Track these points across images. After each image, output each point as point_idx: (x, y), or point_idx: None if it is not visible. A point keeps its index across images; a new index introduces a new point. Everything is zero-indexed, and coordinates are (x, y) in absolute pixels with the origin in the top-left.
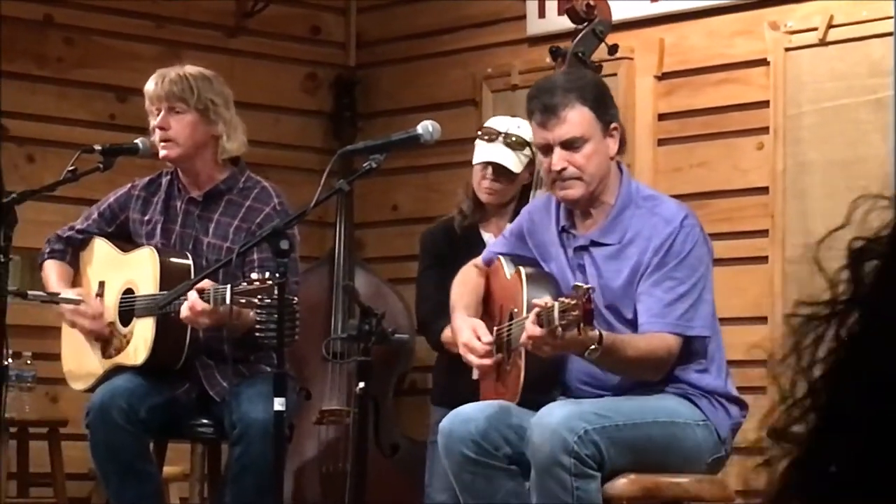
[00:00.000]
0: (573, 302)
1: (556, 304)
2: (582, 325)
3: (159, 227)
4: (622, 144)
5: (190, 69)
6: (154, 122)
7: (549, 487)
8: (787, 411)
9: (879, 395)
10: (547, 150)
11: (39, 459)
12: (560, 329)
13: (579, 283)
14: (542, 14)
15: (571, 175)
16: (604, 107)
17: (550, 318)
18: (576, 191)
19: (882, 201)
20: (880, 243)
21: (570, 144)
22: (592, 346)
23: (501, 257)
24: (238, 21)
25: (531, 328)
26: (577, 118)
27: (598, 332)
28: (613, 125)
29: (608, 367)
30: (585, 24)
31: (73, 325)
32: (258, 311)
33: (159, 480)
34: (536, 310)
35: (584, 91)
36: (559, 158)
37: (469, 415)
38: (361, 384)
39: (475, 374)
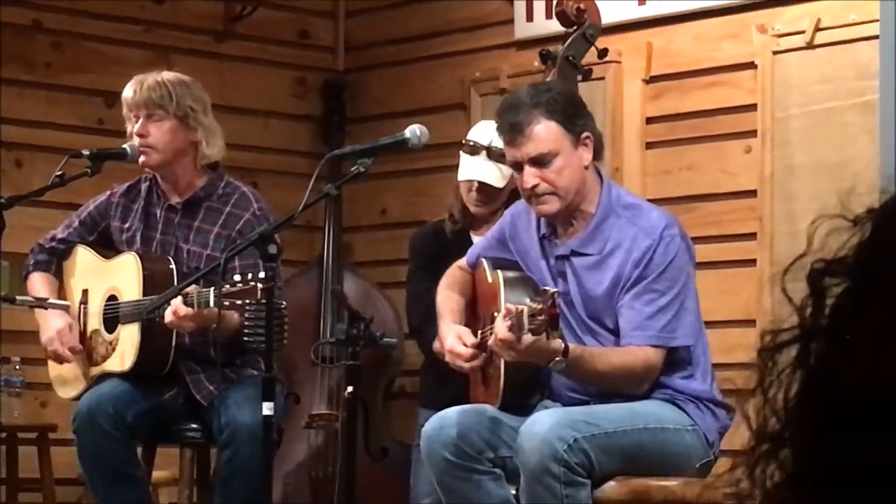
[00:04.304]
0: (540, 307)
1: (525, 308)
2: (549, 329)
3: (139, 234)
4: (598, 151)
5: (167, 75)
6: (131, 128)
7: (538, 495)
8: (757, 445)
9: (847, 423)
10: (518, 167)
11: (28, 465)
12: (529, 333)
13: (546, 288)
14: (529, 18)
15: (545, 191)
16: (573, 117)
17: (521, 322)
18: (551, 206)
19: (840, 221)
20: (843, 265)
21: (539, 161)
22: (557, 358)
23: (484, 260)
24: (226, 25)
25: (501, 332)
26: (543, 134)
27: (563, 344)
28: (585, 134)
29: (578, 379)
30: (575, 27)
31: (57, 359)
32: (247, 315)
33: (147, 486)
34: (510, 314)
35: (550, 104)
36: (530, 175)
37: (449, 419)
38: (350, 388)
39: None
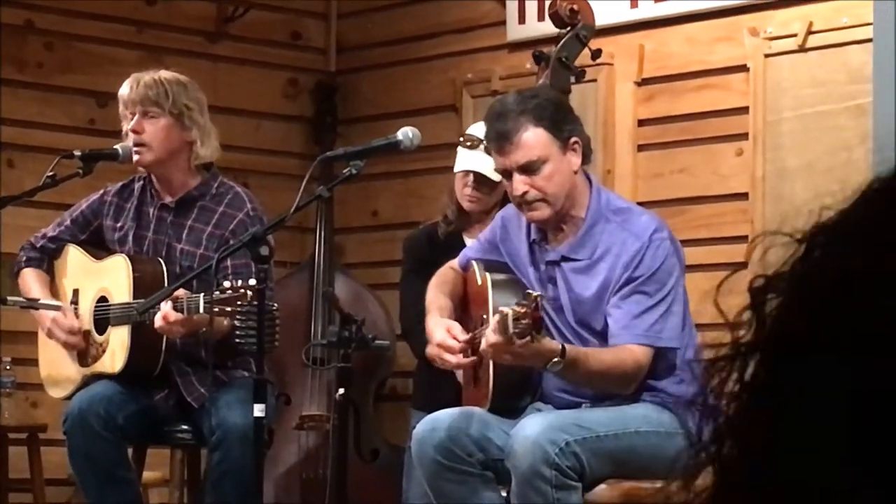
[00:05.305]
0: (524, 310)
1: (510, 311)
2: (533, 333)
3: (131, 233)
4: (586, 156)
5: (165, 74)
6: (126, 126)
7: (529, 498)
8: (692, 458)
9: (783, 441)
10: (507, 175)
11: (19, 465)
12: (514, 337)
13: (530, 291)
14: (522, 20)
15: (534, 198)
16: (560, 123)
17: (505, 325)
18: (541, 212)
19: (781, 237)
20: (781, 280)
21: (528, 168)
22: (555, 360)
23: (475, 262)
24: (219, 26)
25: (490, 336)
26: (531, 141)
27: (560, 346)
28: (573, 139)
29: (573, 380)
30: (569, 28)
31: (49, 335)
32: (238, 317)
33: (138, 487)
34: (496, 318)
35: (538, 111)
36: (519, 183)
37: (440, 421)
38: (341, 390)
39: (460, 376)
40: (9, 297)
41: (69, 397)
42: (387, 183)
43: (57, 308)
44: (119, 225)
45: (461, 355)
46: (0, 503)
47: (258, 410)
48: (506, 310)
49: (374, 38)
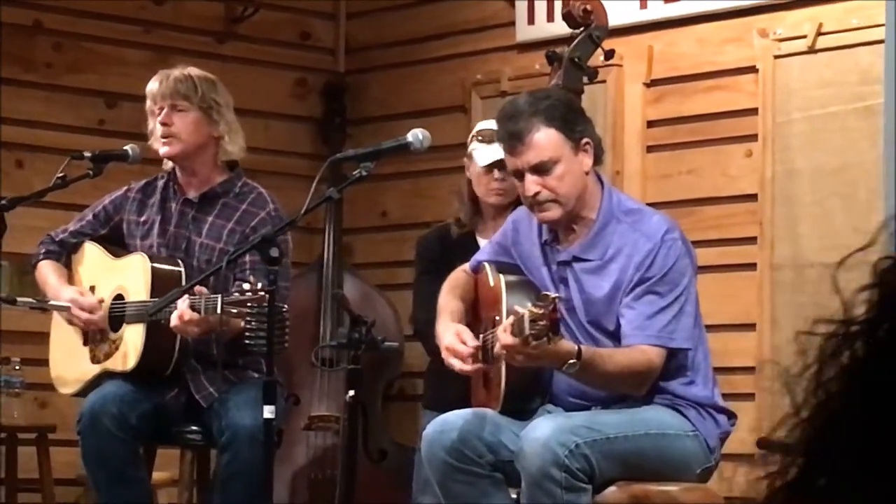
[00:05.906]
0: (541, 312)
1: (527, 312)
2: (550, 334)
3: (156, 227)
4: (598, 157)
5: (193, 70)
6: (153, 124)
7: (539, 500)
8: (793, 426)
9: (882, 419)
10: (519, 175)
11: (28, 465)
12: (531, 338)
13: (546, 293)
14: (531, 20)
15: (546, 198)
16: (572, 124)
17: (522, 327)
18: (553, 213)
19: None
20: None
21: (540, 168)
22: (571, 361)
23: (487, 264)
24: (227, 26)
25: (504, 338)
26: (543, 141)
27: (576, 347)
28: (585, 140)
29: (588, 381)
30: (582, 29)
31: (69, 320)
32: (248, 318)
33: (149, 487)
34: (510, 319)
35: (549, 111)
36: (531, 183)
37: (450, 423)
38: (351, 392)
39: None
40: (18, 298)
41: (79, 394)
42: (395, 183)
43: (65, 309)
44: (143, 219)
45: (470, 360)
46: (10, 503)
47: (268, 412)
48: (522, 311)
49: (382, 38)
